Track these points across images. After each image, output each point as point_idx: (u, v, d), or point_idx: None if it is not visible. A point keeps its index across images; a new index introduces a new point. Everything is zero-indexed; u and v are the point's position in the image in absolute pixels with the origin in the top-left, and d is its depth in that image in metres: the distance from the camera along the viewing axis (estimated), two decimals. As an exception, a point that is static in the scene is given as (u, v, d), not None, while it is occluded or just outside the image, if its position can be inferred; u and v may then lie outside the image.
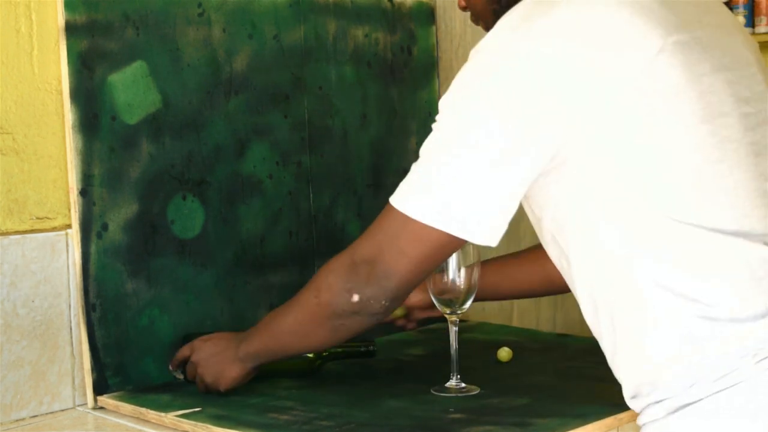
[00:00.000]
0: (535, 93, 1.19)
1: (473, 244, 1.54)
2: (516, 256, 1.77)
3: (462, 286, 1.54)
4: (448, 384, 1.57)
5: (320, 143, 1.92)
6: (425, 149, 1.28)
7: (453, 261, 1.54)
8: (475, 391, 1.55)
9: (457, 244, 1.27)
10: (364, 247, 1.32)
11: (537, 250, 1.60)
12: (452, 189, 1.23)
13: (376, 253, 1.30)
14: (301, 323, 1.42)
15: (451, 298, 1.55)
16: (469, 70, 1.25)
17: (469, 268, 1.55)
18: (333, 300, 1.35)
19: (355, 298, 1.32)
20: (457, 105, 1.25)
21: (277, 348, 1.48)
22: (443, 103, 1.27)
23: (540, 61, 1.19)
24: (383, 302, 1.32)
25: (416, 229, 1.26)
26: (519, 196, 1.25)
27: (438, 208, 1.24)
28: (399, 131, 2.08)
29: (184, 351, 1.59)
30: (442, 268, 1.54)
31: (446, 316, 1.57)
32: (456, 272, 1.54)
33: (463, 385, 1.56)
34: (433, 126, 1.27)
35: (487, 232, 1.24)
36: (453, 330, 1.57)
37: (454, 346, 1.57)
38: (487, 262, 1.69)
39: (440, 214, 1.24)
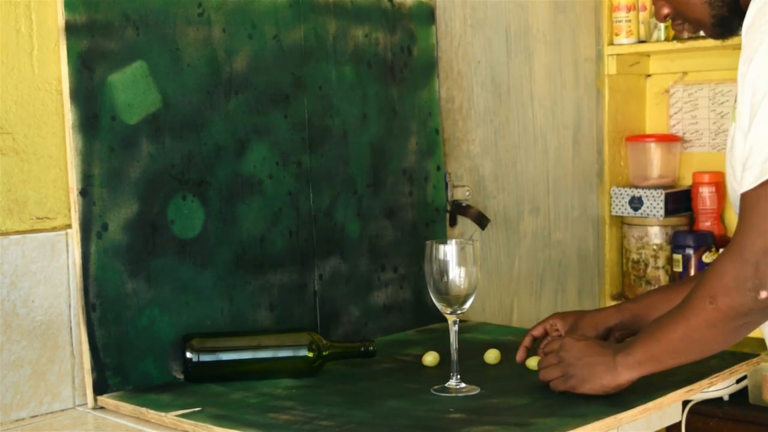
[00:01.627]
0: None
1: (475, 245, 1.54)
2: (677, 286, 1.72)
3: (462, 286, 1.54)
4: (448, 384, 1.57)
5: (320, 143, 1.92)
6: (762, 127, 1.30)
7: (453, 261, 1.54)
8: (475, 391, 1.55)
9: None
10: (753, 240, 1.31)
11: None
12: None
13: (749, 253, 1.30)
14: (697, 330, 1.39)
15: (451, 298, 1.54)
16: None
17: (469, 268, 1.54)
18: (735, 302, 1.33)
19: (763, 294, 1.31)
20: None
21: (666, 357, 1.44)
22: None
23: None
24: None
25: None
26: None
27: None
28: (399, 131, 2.08)
29: (553, 344, 1.54)
30: (443, 269, 1.54)
31: (446, 316, 1.57)
32: (456, 272, 1.54)
33: (463, 385, 1.56)
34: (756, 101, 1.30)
35: None
36: (453, 330, 1.57)
37: (454, 346, 1.57)
38: (651, 293, 1.70)
39: None
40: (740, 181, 1.33)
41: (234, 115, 1.78)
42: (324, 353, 1.68)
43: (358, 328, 1.98)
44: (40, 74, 1.57)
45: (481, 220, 2.24)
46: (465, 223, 2.26)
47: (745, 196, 1.31)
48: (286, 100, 1.87)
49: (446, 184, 2.20)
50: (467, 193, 2.26)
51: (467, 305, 1.56)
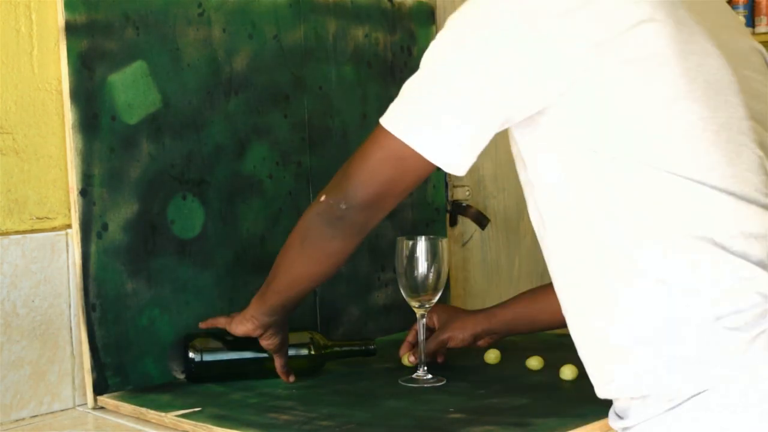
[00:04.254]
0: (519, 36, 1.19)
1: (443, 241, 1.60)
2: (545, 288, 1.72)
3: (430, 281, 1.60)
4: (415, 375, 1.62)
5: (320, 143, 1.92)
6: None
7: (422, 256, 1.59)
8: (443, 382, 1.60)
9: (417, 163, 1.27)
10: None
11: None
12: (429, 108, 1.24)
13: (347, 162, 1.37)
14: (285, 253, 1.48)
15: (420, 292, 1.60)
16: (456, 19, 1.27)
17: (438, 264, 1.60)
18: (309, 210, 1.42)
19: (322, 197, 1.38)
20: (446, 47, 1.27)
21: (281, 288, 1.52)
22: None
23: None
24: (342, 205, 1.35)
25: (381, 137, 1.29)
26: (492, 130, 1.25)
27: (408, 121, 1.26)
28: (399, 131, 2.08)
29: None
30: (414, 265, 1.59)
31: (415, 310, 1.63)
32: (425, 267, 1.59)
33: (430, 376, 1.62)
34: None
35: (449, 157, 1.25)
36: (421, 323, 1.62)
37: (422, 339, 1.62)
38: (519, 297, 1.76)
39: (408, 126, 1.25)
40: None
41: (234, 115, 1.78)
42: (324, 352, 1.68)
43: (358, 328, 1.98)
44: (40, 74, 1.57)
45: (481, 220, 2.24)
46: (465, 223, 2.26)
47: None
48: (286, 100, 1.87)
49: (446, 184, 2.20)
50: (467, 193, 2.26)
51: (435, 299, 1.62)
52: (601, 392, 1.30)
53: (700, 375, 1.18)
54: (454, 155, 1.25)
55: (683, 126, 1.21)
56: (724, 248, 1.19)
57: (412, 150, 1.25)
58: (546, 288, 1.63)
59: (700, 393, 1.18)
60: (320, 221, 1.39)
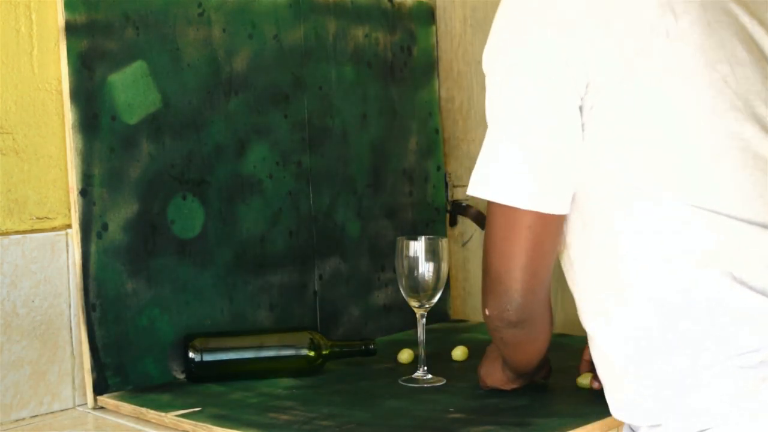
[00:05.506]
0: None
1: (444, 241, 1.61)
2: None
3: (430, 281, 1.60)
4: (415, 375, 1.63)
5: (320, 143, 1.92)
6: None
7: (422, 256, 1.60)
8: (442, 381, 1.61)
9: (538, 218, 1.22)
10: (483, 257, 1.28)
11: None
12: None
13: (486, 258, 1.28)
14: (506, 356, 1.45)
15: (421, 292, 1.60)
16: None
17: (437, 263, 1.60)
18: (485, 319, 1.34)
19: (486, 312, 1.31)
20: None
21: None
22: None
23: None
24: (508, 308, 1.27)
25: (504, 214, 1.24)
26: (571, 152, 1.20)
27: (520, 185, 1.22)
28: (399, 131, 2.08)
29: None
30: (414, 265, 1.59)
31: (415, 310, 1.63)
32: (425, 267, 1.60)
33: (430, 376, 1.62)
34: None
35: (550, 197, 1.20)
36: (421, 323, 1.62)
37: (422, 338, 1.62)
38: None
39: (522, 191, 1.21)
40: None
41: (234, 115, 1.78)
42: (324, 352, 1.68)
43: (358, 328, 1.98)
44: (40, 74, 1.57)
45: (481, 220, 2.24)
46: (465, 223, 2.26)
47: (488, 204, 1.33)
48: (286, 100, 1.87)
49: (446, 184, 2.20)
50: (467, 193, 2.26)
51: (435, 299, 1.62)
52: (615, 415, 1.31)
53: (709, 412, 1.17)
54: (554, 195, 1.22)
55: (710, 145, 1.18)
56: (743, 284, 1.16)
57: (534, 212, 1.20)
58: None
59: (709, 429, 1.17)
60: (504, 333, 1.33)
